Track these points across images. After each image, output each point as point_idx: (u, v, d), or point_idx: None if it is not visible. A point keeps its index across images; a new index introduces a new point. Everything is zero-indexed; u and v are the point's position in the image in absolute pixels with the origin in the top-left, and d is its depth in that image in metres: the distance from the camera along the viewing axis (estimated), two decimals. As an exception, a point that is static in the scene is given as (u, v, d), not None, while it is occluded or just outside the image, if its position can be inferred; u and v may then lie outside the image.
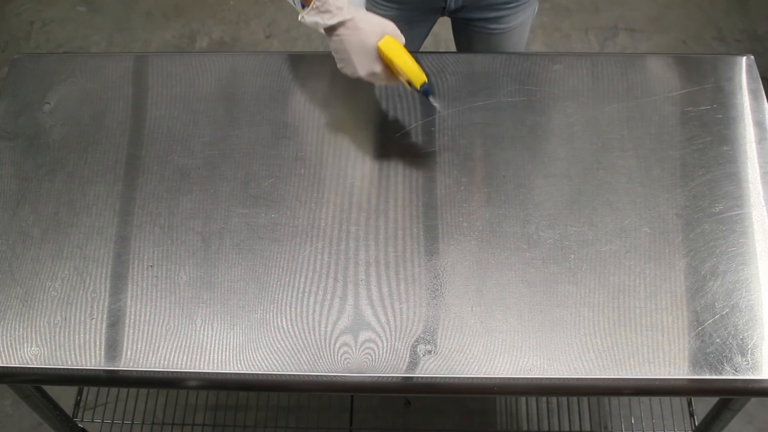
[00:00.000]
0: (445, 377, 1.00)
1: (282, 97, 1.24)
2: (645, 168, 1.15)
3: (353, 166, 1.17)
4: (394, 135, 1.20)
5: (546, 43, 2.46)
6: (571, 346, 1.01)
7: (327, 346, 1.02)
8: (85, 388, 1.68)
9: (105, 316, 1.05)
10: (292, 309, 1.05)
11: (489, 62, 1.29)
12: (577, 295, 1.05)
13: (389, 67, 1.09)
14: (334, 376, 1.00)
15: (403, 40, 1.08)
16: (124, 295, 1.06)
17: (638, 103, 1.22)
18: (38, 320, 1.05)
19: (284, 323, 1.04)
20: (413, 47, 1.49)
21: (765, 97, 1.22)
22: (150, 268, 1.09)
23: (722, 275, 1.05)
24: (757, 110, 1.20)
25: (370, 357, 1.01)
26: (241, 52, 2.26)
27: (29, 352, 1.02)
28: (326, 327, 1.03)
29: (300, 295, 1.06)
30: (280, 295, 1.06)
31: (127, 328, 1.04)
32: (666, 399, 1.63)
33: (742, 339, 1.00)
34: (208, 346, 1.02)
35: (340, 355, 1.01)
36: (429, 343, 1.02)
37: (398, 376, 1.00)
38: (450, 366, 1.00)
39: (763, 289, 1.04)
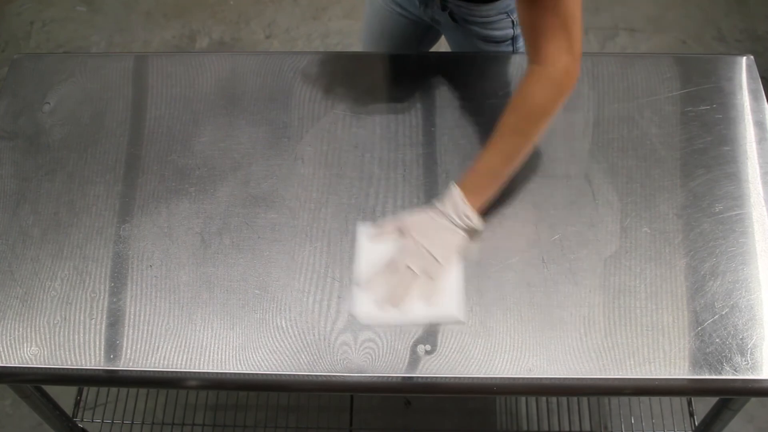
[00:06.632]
0: (445, 377, 1.00)
1: (282, 97, 1.24)
2: (645, 168, 1.15)
3: (353, 167, 1.17)
4: (394, 134, 1.20)
5: (546, 43, 2.45)
6: (571, 346, 1.01)
7: (327, 345, 1.02)
8: (85, 388, 1.68)
9: (105, 316, 1.05)
10: (292, 309, 1.05)
11: (489, 62, 1.29)
12: (577, 295, 1.05)
13: None
14: (334, 376, 1.00)
15: None
16: (124, 295, 1.06)
17: (638, 103, 1.22)
18: (38, 320, 1.05)
19: (284, 323, 1.03)
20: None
21: (765, 97, 1.22)
22: (150, 268, 1.08)
23: (722, 275, 1.05)
24: (757, 110, 1.20)
25: (369, 357, 1.01)
26: (241, 52, 2.27)
27: (29, 352, 1.02)
28: (326, 327, 1.03)
29: (300, 295, 1.06)
30: (280, 295, 1.06)
31: (126, 328, 1.04)
32: (666, 399, 1.63)
33: (741, 339, 1.00)
34: (208, 346, 1.02)
35: (339, 355, 1.01)
36: (429, 343, 1.02)
37: (398, 376, 1.00)
38: (450, 366, 1.00)
39: (763, 289, 1.04)
